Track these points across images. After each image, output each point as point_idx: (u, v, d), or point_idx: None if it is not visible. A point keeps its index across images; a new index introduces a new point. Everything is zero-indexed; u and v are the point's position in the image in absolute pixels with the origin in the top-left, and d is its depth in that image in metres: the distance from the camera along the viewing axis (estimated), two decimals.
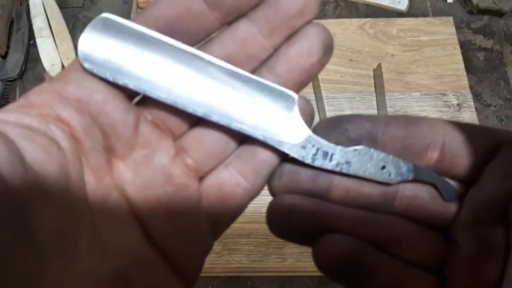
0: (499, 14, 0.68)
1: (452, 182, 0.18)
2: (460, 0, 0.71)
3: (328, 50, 0.17)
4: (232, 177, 0.18)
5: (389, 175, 0.17)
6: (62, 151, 0.15)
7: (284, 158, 0.18)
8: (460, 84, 0.61)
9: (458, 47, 0.64)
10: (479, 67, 0.65)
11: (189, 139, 0.18)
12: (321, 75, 0.62)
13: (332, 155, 0.17)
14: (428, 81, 0.62)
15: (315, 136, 0.17)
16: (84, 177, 0.16)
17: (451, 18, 0.66)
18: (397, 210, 0.18)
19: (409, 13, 0.69)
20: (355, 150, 0.17)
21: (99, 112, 0.16)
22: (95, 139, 0.16)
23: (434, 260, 0.18)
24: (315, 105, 0.60)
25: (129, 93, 0.17)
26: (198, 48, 0.17)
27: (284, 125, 0.17)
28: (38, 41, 0.68)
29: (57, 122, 0.15)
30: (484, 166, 0.17)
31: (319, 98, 0.60)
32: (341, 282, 0.17)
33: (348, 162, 0.17)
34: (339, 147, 0.17)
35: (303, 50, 0.17)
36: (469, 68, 0.64)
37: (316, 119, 0.18)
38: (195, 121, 0.18)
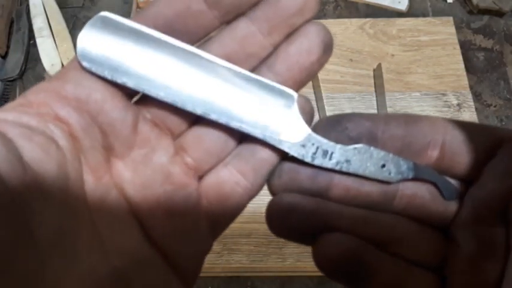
0: (499, 14, 0.68)
1: (452, 181, 0.18)
2: (460, 0, 0.71)
3: (327, 48, 0.17)
4: (231, 176, 0.18)
5: (390, 173, 0.17)
6: (60, 150, 0.15)
7: (284, 156, 0.18)
8: (460, 84, 0.61)
9: (458, 47, 0.64)
10: (479, 67, 0.65)
11: (189, 138, 0.18)
12: (321, 75, 0.62)
13: (332, 153, 0.17)
14: (428, 81, 0.62)
15: (314, 135, 0.17)
16: (83, 176, 0.16)
17: (451, 18, 0.66)
18: (397, 209, 0.18)
19: (409, 13, 0.69)
20: (355, 148, 0.17)
21: (98, 111, 0.16)
22: (93, 138, 0.16)
23: (435, 259, 0.18)
24: (314, 105, 0.60)
25: (128, 92, 0.17)
26: (198, 47, 0.17)
27: (284, 124, 0.17)
28: (38, 41, 0.68)
29: (56, 121, 0.15)
30: (484, 164, 0.17)
31: (319, 98, 0.60)
32: (341, 281, 0.17)
33: (347, 161, 0.17)
34: (338, 146, 0.17)
35: (302, 49, 0.17)
36: (469, 68, 0.64)
37: (316, 118, 0.18)
38: (195, 120, 0.18)
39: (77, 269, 0.15)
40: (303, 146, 0.17)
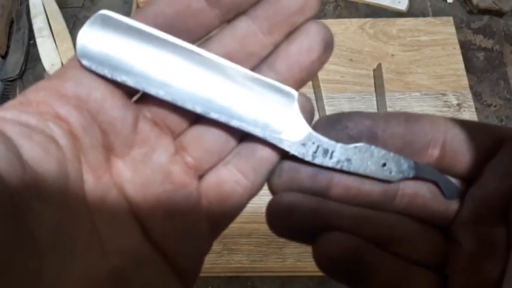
0: (499, 14, 0.68)
1: (453, 180, 0.18)
2: (460, 0, 0.71)
3: (328, 47, 0.17)
4: (231, 175, 0.18)
5: (390, 172, 0.17)
6: (60, 149, 0.15)
7: (284, 155, 0.18)
8: (460, 84, 0.61)
9: (458, 47, 0.64)
10: (479, 67, 0.65)
11: (189, 137, 0.18)
12: (321, 75, 0.62)
13: (332, 152, 0.17)
14: (428, 81, 0.62)
15: (315, 133, 0.17)
16: (83, 175, 0.16)
17: (451, 18, 0.66)
18: (398, 208, 0.18)
19: (409, 13, 0.69)
20: (356, 147, 0.17)
21: (98, 110, 0.16)
22: (93, 137, 0.16)
23: (435, 258, 0.18)
24: (314, 105, 0.59)
25: (128, 91, 0.17)
26: (198, 46, 0.17)
27: (284, 122, 0.17)
28: (38, 41, 0.68)
29: (56, 119, 0.15)
30: (485, 163, 0.17)
31: (319, 98, 0.60)
32: (341, 280, 0.17)
33: (348, 160, 0.17)
34: (339, 145, 0.17)
35: (303, 47, 0.17)
36: (469, 68, 0.64)
37: (316, 118, 0.18)
38: (195, 119, 0.18)
39: (76, 268, 0.15)
40: (304, 144, 0.17)
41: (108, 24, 0.16)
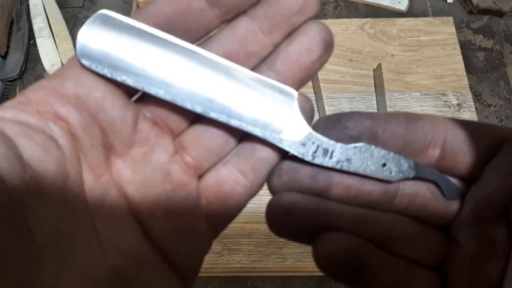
0: (499, 14, 0.68)
1: (453, 180, 0.18)
2: (460, 0, 0.71)
3: (328, 46, 0.17)
4: (231, 175, 0.18)
5: (390, 173, 0.17)
6: (60, 149, 0.15)
7: (284, 155, 0.18)
8: (460, 84, 0.61)
9: (458, 47, 0.64)
10: (479, 67, 0.65)
11: (188, 137, 0.18)
12: (321, 75, 0.62)
13: (332, 152, 0.17)
14: (428, 81, 0.62)
15: (315, 133, 0.17)
16: (83, 175, 0.16)
17: (451, 18, 0.66)
18: (398, 208, 0.18)
19: (409, 13, 0.69)
20: (356, 147, 0.17)
21: (98, 109, 0.16)
22: (93, 136, 0.16)
23: (436, 258, 0.18)
24: (314, 105, 0.59)
25: (127, 90, 0.17)
26: (198, 46, 0.17)
27: (284, 122, 0.17)
28: (38, 41, 0.68)
29: (56, 119, 0.15)
30: (485, 163, 0.17)
31: (319, 98, 0.60)
32: (341, 280, 0.17)
33: (348, 160, 0.17)
34: (339, 145, 0.17)
35: (303, 47, 0.17)
36: (469, 68, 0.64)
37: (316, 118, 0.18)
38: (194, 119, 0.18)
39: (75, 267, 0.14)
40: (303, 144, 0.17)
41: (108, 23, 0.16)
